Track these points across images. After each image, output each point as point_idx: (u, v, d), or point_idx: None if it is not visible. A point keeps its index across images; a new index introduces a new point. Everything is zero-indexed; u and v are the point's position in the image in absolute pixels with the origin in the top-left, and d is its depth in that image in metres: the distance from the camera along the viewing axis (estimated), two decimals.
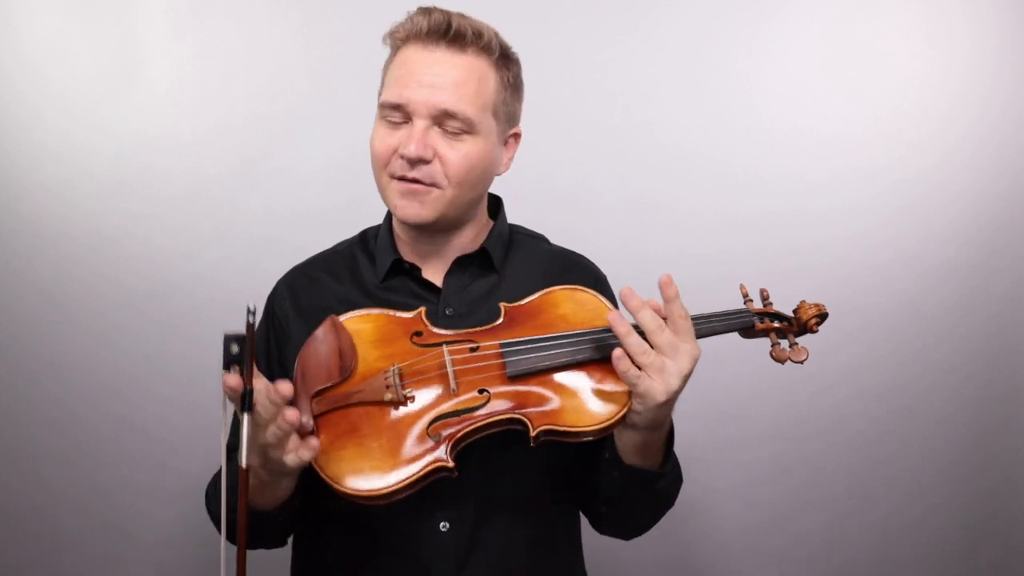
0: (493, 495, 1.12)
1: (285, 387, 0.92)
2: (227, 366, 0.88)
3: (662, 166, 2.01)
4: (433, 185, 1.10)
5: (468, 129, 1.10)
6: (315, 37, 1.92)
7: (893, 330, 2.08)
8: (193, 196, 1.91)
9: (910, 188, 2.06)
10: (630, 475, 1.08)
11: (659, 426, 1.04)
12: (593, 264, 1.31)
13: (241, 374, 0.88)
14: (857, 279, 2.06)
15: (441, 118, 1.08)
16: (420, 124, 1.08)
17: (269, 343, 1.21)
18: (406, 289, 1.18)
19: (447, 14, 1.10)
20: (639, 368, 0.97)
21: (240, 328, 0.88)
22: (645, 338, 0.99)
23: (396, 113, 1.10)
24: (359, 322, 1.06)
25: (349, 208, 1.79)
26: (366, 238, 1.27)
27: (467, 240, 1.20)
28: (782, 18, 2.02)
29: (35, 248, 1.88)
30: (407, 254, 1.20)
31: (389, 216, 1.24)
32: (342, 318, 1.05)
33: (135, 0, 1.86)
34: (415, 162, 1.08)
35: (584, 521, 1.29)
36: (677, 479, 1.16)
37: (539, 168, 1.90)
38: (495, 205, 1.27)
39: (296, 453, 0.94)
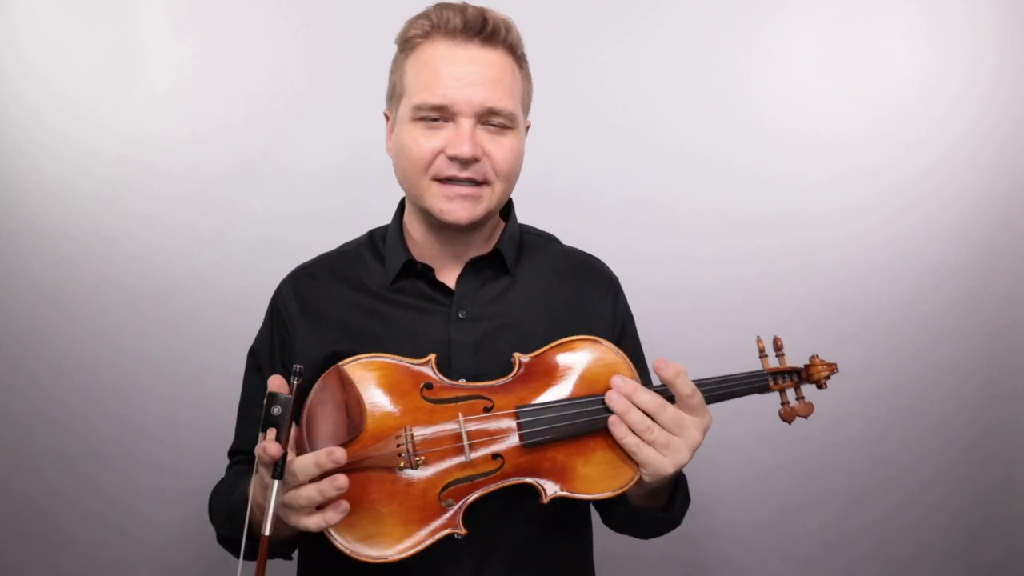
0: (509, 505, 1.10)
1: (340, 453, 0.89)
2: (265, 428, 0.85)
3: (662, 166, 2.01)
4: (484, 182, 1.10)
5: (510, 124, 1.10)
6: (315, 37, 1.92)
7: (893, 330, 2.08)
8: (193, 196, 1.91)
9: (910, 188, 2.06)
10: (636, 513, 1.11)
11: (667, 483, 1.05)
12: (606, 266, 1.31)
13: (277, 437, 0.86)
14: (857, 279, 2.06)
15: (486, 115, 1.07)
16: (467, 123, 1.06)
17: (274, 344, 1.20)
18: (417, 291, 1.16)
19: (479, 9, 1.08)
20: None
21: (284, 389, 0.86)
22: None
23: (435, 113, 1.07)
24: (364, 369, 1.00)
25: (349, 208, 1.80)
26: (374, 239, 1.25)
27: (481, 241, 1.19)
28: (782, 18, 2.02)
29: (35, 248, 1.88)
30: (419, 255, 1.18)
31: (399, 216, 1.23)
32: (346, 364, 1.00)
33: (135, 0, 1.87)
34: (468, 162, 1.07)
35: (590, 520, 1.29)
36: (685, 505, 1.17)
37: (539, 168, 1.89)
38: (506, 206, 1.25)
39: (323, 516, 0.91)
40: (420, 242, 1.19)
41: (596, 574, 1.30)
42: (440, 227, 1.14)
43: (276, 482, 0.86)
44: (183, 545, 1.92)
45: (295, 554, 1.26)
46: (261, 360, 1.21)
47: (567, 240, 1.34)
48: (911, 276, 2.08)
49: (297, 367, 0.87)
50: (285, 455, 0.86)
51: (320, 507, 0.91)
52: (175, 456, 1.91)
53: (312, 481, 0.90)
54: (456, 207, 1.09)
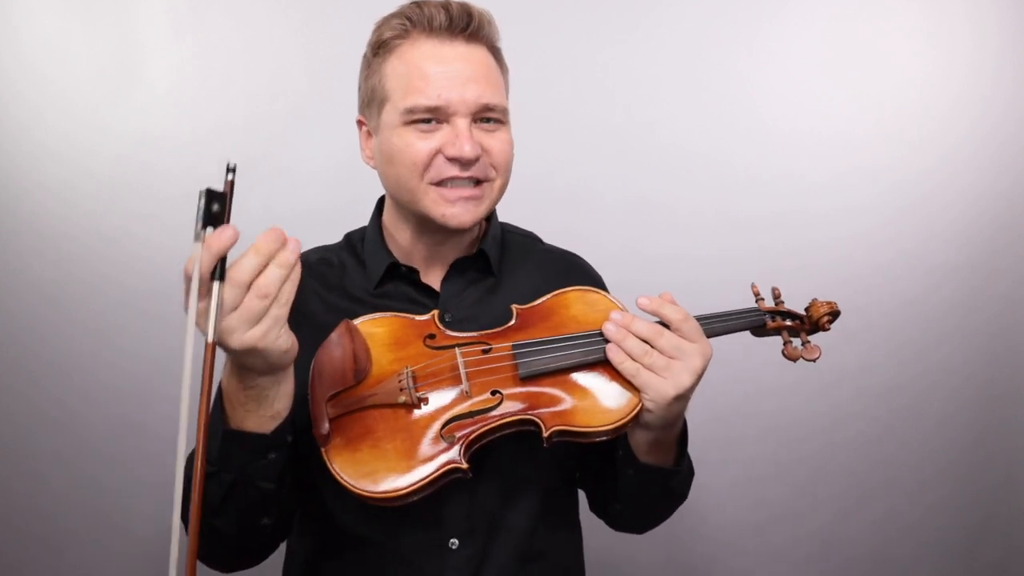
0: (503, 511, 1.11)
1: (278, 230, 0.83)
2: (207, 225, 0.79)
3: (663, 166, 2.01)
4: (485, 181, 1.08)
5: (502, 118, 1.09)
6: (315, 37, 1.92)
7: (894, 330, 2.08)
8: (193, 196, 1.89)
9: (911, 188, 2.06)
10: (644, 473, 1.08)
11: (672, 425, 1.04)
12: (588, 265, 1.30)
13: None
14: (858, 279, 2.06)
15: (480, 112, 1.05)
16: (464, 123, 1.04)
17: None
18: (402, 295, 1.14)
19: (462, 4, 1.05)
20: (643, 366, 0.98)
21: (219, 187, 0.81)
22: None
23: (429, 115, 1.04)
24: (373, 325, 1.05)
25: (349, 208, 1.78)
26: (352, 242, 1.22)
27: (465, 242, 1.18)
28: (783, 18, 2.02)
29: (35, 248, 1.88)
30: (402, 257, 1.16)
31: (376, 218, 1.20)
32: (356, 321, 1.04)
33: (135, 0, 1.86)
34: (470, 162, 1.05)
35: (584, 520, 1.29)
36: (690, 474, 1.16)
37: (539, 168, 1.90)
38: None
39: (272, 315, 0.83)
40: (403, 244, 1.16)
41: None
42: (433, 230, 1.12)
43: (217, 284, 0.81)
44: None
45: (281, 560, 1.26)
46: None
47: (567, 240, 1.33)
48: (912, 276, 2.07)
49: (231, 163, 0.82)
50: (224, 257, 0.81)
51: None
52: (175, 456, 1.91)
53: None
54: (459, 211, 1.07)
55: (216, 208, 0.80)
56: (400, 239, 1.16)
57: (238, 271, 0.82)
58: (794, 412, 2.07)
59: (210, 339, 0.82)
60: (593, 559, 1.31)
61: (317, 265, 1.20)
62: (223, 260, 0.81)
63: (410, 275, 1.15)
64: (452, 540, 1.08)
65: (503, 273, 1.20)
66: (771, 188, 2.03)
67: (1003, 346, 2.11)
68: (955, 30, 2.04)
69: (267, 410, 0.93)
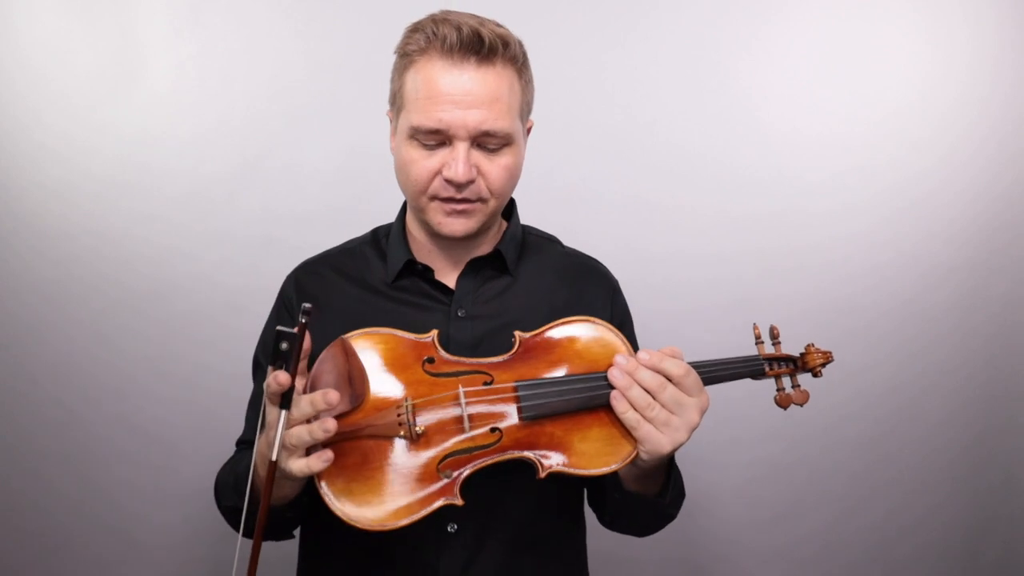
0: (502, 498, 1.12)
1: (333, 395, 0.92)
2: (274, 362, 0.88)
3: (662, 166, 2.01)
4: (479, 200, 1.10)
5: (506, 142, 1.09)
6: (315, 37, 1.92)
7: (893, 330, 2.08)
8: (193, 196, 1.91)
9: (910, 188, 2.06)
10: (631, 498, 1.11)
11: (661, 464, 1.06)
12: (607, 269, 1.31)
13: (286, 370, 0.89)
14: (857, 279, 2.06)
15: (481, 137, 1.07)
16: (462, 147, 1.06)
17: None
18: (418, 290, 1.18)
19: (474, 27, 1.05)
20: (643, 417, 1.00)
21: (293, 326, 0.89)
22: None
23: (432, 136, 1.07)
24: (368, 342, 1.03)
25: (349, 207, 1.80)
26: (377, 237, 1.26)
27: (482, 242, 1.20)
28: (782, 18, 2.02)
29: (35, 248, 1.88)
30: (420, 254, 1.20)
31: (402, 215, 1.24)
32: (352, 335, 1.02)
33: (135, 0, 1.87)
34: (463, 185, 1.08)
35: (587, 521, 1.30)
36: (678, 497, 1.17)
37: (539, 168, 1.89)
38: (508, 206, 1.26)
39: (306, 462, 0.93)
40: (422, 242, 1.20)
41: (591, 574, 1.31)
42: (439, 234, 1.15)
43: (283, 413, 0.89)
44: (182, 546, 1.92)
45: (294, 555, 1.27)
46: (266, 352, 1.21)
47: (566, 240, 1.34)
48: (911, 276, 2.08)
49: (306, 305, 0.89)
50: (293, 387, 0.89)
51: (309, 452, 0.94)
52: (175, 457, 1.91)
53: (306, 422, 0.93)
54: (452, 220, 1.11)
55: (284, 347, 0.89)
56: (419, 237, 1.21)
57: (293, 412, 0.93)
58: (795, 412, 2.07)
59: (273, 457, 0.91)
60: (596, 555, 1.31)
61: (338, 255, 1.26)
62: (290, 391, 0.90)
63: (426, 272, 1.18)
64: (451, 524, 1.11)
65: (519, 273, 1.22)
66: (770, 188, 2.03)
67: (1002, 346, 2.11)
68: (953, 31, 2.04)
69: (279, 491, 1.01)
